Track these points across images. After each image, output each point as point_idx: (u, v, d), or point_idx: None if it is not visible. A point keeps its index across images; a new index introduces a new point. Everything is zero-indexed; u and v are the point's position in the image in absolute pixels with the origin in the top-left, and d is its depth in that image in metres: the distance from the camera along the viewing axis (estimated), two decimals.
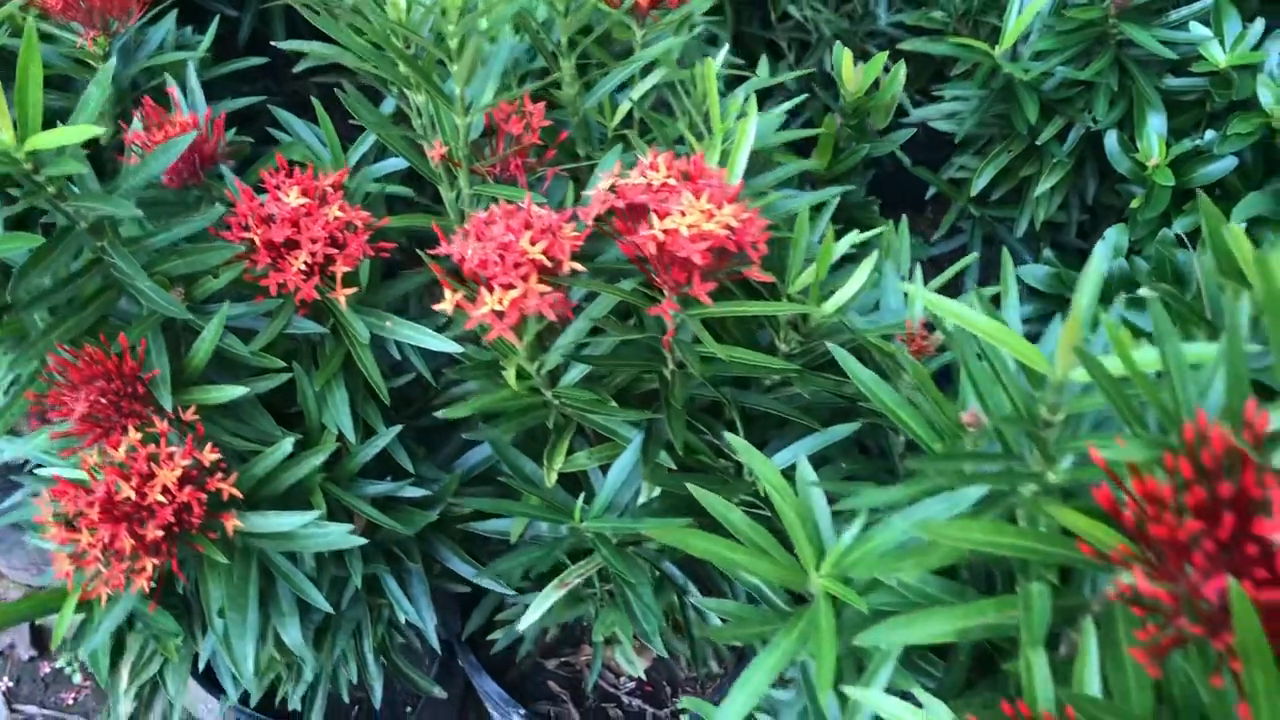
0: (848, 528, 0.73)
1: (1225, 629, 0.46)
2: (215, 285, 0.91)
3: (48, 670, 1.84)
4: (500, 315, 0.82)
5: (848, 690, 0.65)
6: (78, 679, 1.82)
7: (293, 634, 0.99)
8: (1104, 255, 1.18)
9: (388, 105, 1.14)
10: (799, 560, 0.76)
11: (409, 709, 1.49)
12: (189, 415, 0.88)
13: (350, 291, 0.92)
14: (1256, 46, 1.21)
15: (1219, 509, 0.48)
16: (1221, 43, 1.24)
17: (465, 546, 1.14)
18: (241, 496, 0.88)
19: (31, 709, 1.78)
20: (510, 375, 0.93)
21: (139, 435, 0.85)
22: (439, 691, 1.40)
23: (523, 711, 1.36)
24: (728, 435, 0.80)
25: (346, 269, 0.91)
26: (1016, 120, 1.39)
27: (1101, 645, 0.59)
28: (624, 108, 1.10)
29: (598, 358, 0.95)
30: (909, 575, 0.71)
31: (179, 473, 0.84)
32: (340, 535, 0.93)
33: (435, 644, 1.11)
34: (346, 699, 1.29)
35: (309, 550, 0.94)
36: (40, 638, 1.88)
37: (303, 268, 0.90)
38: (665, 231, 0.80)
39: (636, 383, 1.01)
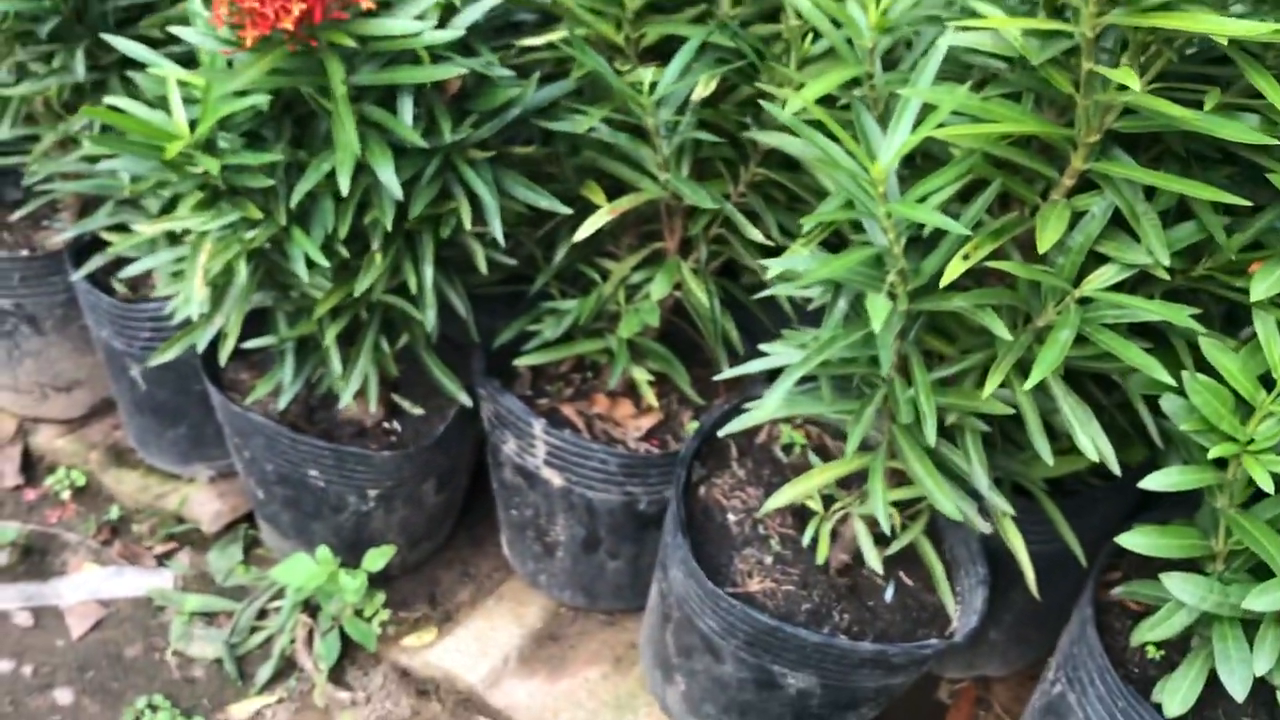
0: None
1: None
2: None
3: (33, 496, 1.84)
4: None
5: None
6: (66, 495, 1.82)
7: (387, 174, 1.12)
8: None
9: None
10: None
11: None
12: None
13: None
14: None
15: None
16: None
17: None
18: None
19: (13, 525, 1.77)
20: None
21: None
22: (465, 398, 1.48)
23: (543, 420, 1.44)
24: None
25: None
26: None
27: None
28: None
29: None
30: None
31: None
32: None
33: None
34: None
35: (410, 81, 1.10)
36: (30, 463, 1.88)
37: None
38: None
39: None
